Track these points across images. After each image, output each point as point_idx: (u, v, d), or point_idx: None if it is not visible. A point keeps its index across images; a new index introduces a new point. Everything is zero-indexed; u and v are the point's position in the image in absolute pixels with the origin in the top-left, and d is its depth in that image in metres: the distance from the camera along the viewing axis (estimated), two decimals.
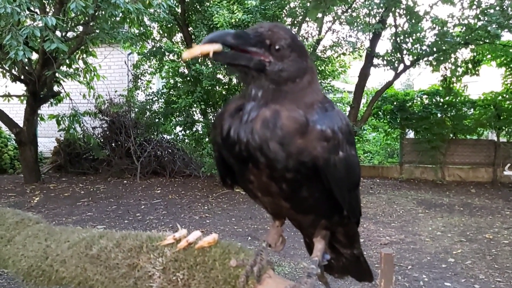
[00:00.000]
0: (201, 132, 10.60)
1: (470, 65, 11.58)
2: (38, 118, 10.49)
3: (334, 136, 1.02)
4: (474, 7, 9.74)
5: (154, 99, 11.31)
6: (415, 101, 12.47)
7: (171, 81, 11.28)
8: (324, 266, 1.17)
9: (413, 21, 10.28)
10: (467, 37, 9.90)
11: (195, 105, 10.34)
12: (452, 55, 10.86)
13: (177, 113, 10.64)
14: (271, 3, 9.10)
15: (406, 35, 10.71)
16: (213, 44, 0.98)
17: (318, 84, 1.12)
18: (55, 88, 10.45)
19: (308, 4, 9.48)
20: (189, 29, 10.71)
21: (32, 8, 7.87)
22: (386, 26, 10.81)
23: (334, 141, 1.02)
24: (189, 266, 1.15)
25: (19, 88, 10.37)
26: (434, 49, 10.32)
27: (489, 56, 11.71)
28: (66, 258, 1.35)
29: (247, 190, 1.12)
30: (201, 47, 0.98)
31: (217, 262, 1.13)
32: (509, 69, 11.82)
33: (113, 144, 11.65)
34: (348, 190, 1.11)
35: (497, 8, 9.24)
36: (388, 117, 12.54)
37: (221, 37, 1.00)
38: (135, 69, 11.88)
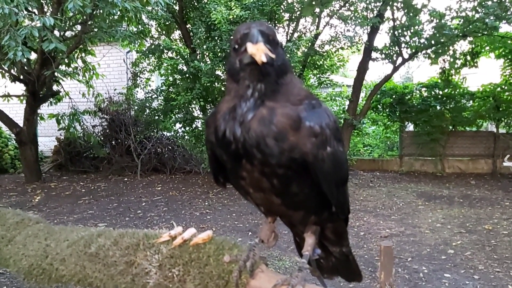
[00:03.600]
0: (200, 128, 10.61)
1: (468, 57, 11.56)
2: (38, 118, 10.51)
3: (322, 132, 1.05)
4: None
5: (153, 96, 11.30)
6: (414, 94, 12.47)
7: (170, 78, 11.28)
8: (315, 263, 1.20)
9: (411, 14, 10.26)
10: (465, 29, 9.88)
11: (194, 102, 10.36)
12: (451, 48, 10.84)
13: (177, 110, 10.65)
14: None
15: (404, 29, 10.68)
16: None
17: (297, 79, 1.15)
18: (55, 88, 10.48)
19: None
20: (187, 26, 10.71)
21: (30, 8, 7.89)
22: (384, 19, 10.79)
23: (322, 137, 1.05)
24: (184, 263, 1.17)
25: (19, 88, 10.39)
26: (432, 42, 10.30)
27: (487, 47, 11.67)
28: (65, 256, 1.38)
29: (239, 187, 1.15)
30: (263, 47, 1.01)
31: (211, 258, 1.16)
32: (508, 60, 11.79)
33: (113, 142, 11.67)
34: (336, 186, 1.13)
35: (494, 0, 9.22)
36: (387, 110, 12.54)
37: (260, 39, 1.02)
38: (134, 67, 11.87)
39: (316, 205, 1.15)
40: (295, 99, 1.06)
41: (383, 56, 11.30)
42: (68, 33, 9.64)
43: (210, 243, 1.21)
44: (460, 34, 10.00)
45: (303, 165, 1.04)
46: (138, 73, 11.89)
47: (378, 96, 12.20)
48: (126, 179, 10.58)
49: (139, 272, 1.22)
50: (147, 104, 11.24)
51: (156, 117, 11.24)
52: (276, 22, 10.43)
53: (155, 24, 11.53)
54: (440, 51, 10.65)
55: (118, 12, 8.13)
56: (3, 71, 9.66)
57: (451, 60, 11.29)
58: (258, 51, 1.00)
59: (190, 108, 10.55)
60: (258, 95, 1.04)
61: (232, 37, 1.13)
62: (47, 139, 12.58)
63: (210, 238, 1.22)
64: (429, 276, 4.66)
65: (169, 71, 11.00)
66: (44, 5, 8.80)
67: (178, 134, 11.53)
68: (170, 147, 11.73)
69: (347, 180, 1.22)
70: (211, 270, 1.14)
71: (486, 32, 10.04)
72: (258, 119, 1.02)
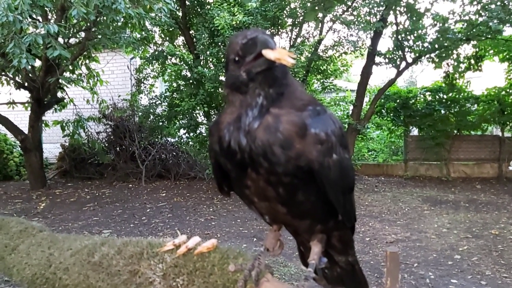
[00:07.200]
0: (204, 134, 10.61)
1: (472, 61, 11.52)
2: (43, 125, 10.54)
3: (328, 139, 1.04)
4: (475, 3, 9.69)
5: (157, 102, 11.34)
6: (418, 98, 12.45)
7: (174, 84, 11.33)
8: (321, 271, 1.18)
9: (414, 18, 10.23)
10: (468, 33, 9.86)
11: (198, 108, 10.37)
12: (454, 51, 10.81)
13: (181, 116, 10.67)
14: (271, 4, 9.10)
15: (408, 33, 10.66)
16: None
17: (297, 82, 1.13)
18: (59, 94, 10.51)
19: (309, 4, 9.50)
20: (191, 32, 10.75)
21: (34, 16, 7.92)
22: (387, 24, 10.78)
23: (328, 144, 1.04)
24: (189, 272, 1.16)
25: (23, 95, 10.44)
26: (436, 46, 10.27)
27: (491, 51, 11.64)
28: (69, 265, 1.37)
29: (243, 196, 1.14)
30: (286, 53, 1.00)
31: (216, 267, 1.15)
32: None
33: (118, 149, 11.68)
34: (343, 193, 1.12)
35: (498, 3, 9.20)
36: (391, 114, 12.51)
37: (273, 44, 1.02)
38: (137, 73, 11.91)
39: (322, 214, 1.13)
40: (299, 103, 1.05)
41: (387, 60, 11.29)
42: (72, 40, 9.69)
43: (214, 252, 1.19)
44: (464, 38, 9.98)
45: (309, 173, 1.02)
46: (142, 79, 11.93)
47: (382, 100, 12.18)
48: (130, 185, 10.59)
49: (143, 281, 1.20)
50: (151, 110, 11.27)
51: (160, 123, 11.27)
52: (279, 27, 10.45)
53: (159, 31, 11.58)
54: (443, 55, 10.62)
55: (122, 19, 8.17)
56: (8, 78, 9.71)
57: (455, 64, 11.25)
58: (282, 54, 0.99)
59: (194, 114, 10.56)
60: (267, 102, 1.03)
61: (228, 50, 1.11)
62: (52, 145, 12.61)
63: (215, 247, 1.21)
64: (435, 282, 4.62)
65: (173, 77, 11.04)
66: (48, 12, 8.83)
67: (182, 140, 11.54)
68: (174, 153, 11.72)
69: (353, 187, 1.21)
70: (216, 280, 1.13)
71: (490, 36, 10.03)
72: (264, 127, 1.01)
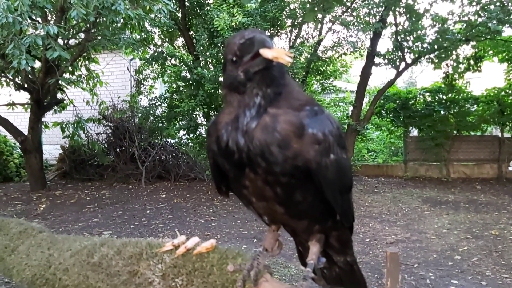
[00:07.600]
0: (204, 135, 10.60)
1: (472, 62, 11.52)
2: (43, 126, 10.53)
3: (325, 139, 1.04)
4: (474, 3, 9.70)
5: (157, 103, 11.34)
6: (417, 99, 12.43)
7: (174, 85, 11.33)
8: (320, 271, 1.18)
9: (413, 19, 10.24)
10: (468, 34, 9.86)
11: (198, 109, 10.38)
12: (454, 52, 10.81)
13: (180, 117, 10.67)
14: (270, 5, 9.11)
15: (407, 33, 10.66)
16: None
17: (295, 82, 1.14)
18: (59, 96, 10.51)
19: (308, 5, 9.51)
20: (190, 33, 10.76)
21: (33, 17, 7.93)
22: (387, 25, 10.78)
23: (325, 144, 1.04)
24: (188, 272, 1.16)
25: (23, 97, 10.44)
26: (435, 47, 10.27)
27: (490, 52, 11.65)
28: (68, 266, 1.37)
29: (242, 196, 1.14)
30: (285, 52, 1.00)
31: (215, 267, 1.15)
32: (511, 64, 11.78)
33: (118, 150, 11.69)
34: (340, 193, 1.12)
35: (497, 4, 9.21)
36: (391, 115, 12.51)
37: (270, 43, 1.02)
38: (137, 75, 11.92)
39: (320, 214, 1.14)
40: (296, 103, 1.05)
41: (386, 61, 11.28)
42: (72, 41, 9.68)
43: (213, 252, 1.20)
44: (463, 39, 9.98)
45: (307, 172, 1.03)
46: (142, 81, 11.94)
47: (382, 101, 12.17)
48: (130, 186, 10.58)
49: (142, 282, 1.21)
50: (151, 111, 11.27)
51: (160, 124, 11.27)
52: (278, 28, 10.45)
53: (158, 32, 11.58)
54: (443, 55, 10.61)
55: (121, 20, 8.17)
56: (8, 80, 9.70)
57: (454, 64, 11.24)
58: (279, 53, 0.99)
59: (193, 115, 10.57)
60: (265, 101, 1.03)
61: (225, 50, 1.12)
62: (52, 147, 12.61)
63: (214, 247, 1.21)
64: (436, 283, 4.62)
65: (173, 78, 11.04)
66: (47, 13, 8.84)
67: (182, 141, 11.55)
68: (174, 154, 11.72)
69: (351, 187, 1.21)
70: (215, 280, 1.13)
71: (489, 36, 10.04)
72: (262, 127, 1.01)
